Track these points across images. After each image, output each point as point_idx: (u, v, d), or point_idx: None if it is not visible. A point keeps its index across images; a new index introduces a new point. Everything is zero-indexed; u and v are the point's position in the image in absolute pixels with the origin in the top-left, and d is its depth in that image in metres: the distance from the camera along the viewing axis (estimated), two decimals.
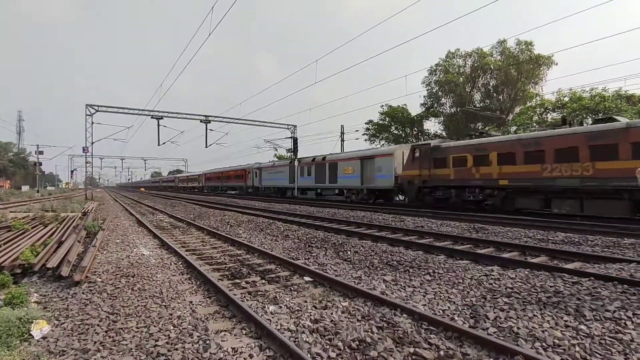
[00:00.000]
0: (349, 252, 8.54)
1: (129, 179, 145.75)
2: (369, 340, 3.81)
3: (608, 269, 6.48)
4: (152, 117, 31.45)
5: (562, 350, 3.52)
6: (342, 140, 43.96)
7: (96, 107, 31.19)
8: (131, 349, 3.80)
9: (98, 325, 4.44)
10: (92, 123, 31.34)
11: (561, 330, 3.94)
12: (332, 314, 4.65)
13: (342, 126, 44.66)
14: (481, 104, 37.95)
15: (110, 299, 5.46)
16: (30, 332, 4.15)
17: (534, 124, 28.02)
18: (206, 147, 34.74)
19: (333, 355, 3.57)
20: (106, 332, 4.25)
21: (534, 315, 4.37)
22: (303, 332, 4.07)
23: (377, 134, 45.06)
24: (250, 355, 3.62)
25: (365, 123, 45.90)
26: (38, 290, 5.89)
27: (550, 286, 5.46)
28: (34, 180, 65.23)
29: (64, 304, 5.23)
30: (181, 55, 19.35)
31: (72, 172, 65.91)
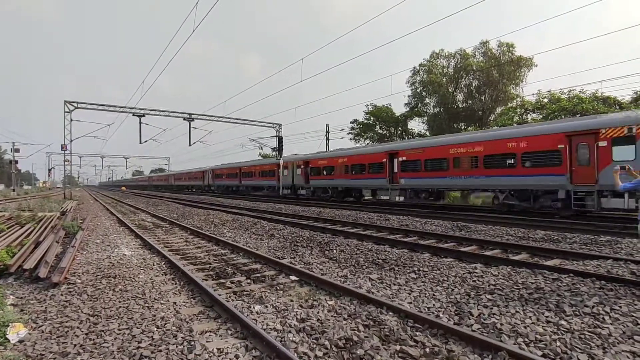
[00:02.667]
0: (334, 251, 8.55)
1: (109, 178, 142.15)
2: (355, 338, 3.81)
3: (586, 265, 6.67)
4: (133, 115, 30.76)
5: (543, 345, 3.59)
6: (327, 140, 44.03)
7: (75, 104, 30.34)
8: (113, 351, 3.70)
9: (78, 327, 4.32)
10: (71, 120, 30.51)
11: (543, 326, 4.03)
12: (318, 312, 4.64)
13: (327, 125, 44.70)
14: (464, 104, 38.53)
15: (90, 300, 5.32)
16: (7, 336, 4.00)
17: (515, 124, 28.64)
18: (189, 145, 34.23)
19: (320, 354, 3.56)
20: (87, 334, 4.14)
21: (517, 312, 4.46)
22: (289, 332, 4.05)
23: (362, 133, 45.31)
24: (236, 356, 3.58)
25: (351, 122, 46.13)
26: (14, 293, 5.70)
27: (532, 283, 5.58)
28: (10, 179, 63.12)
29: (42, 306, 5.07)
30: (164, 51, 18.88)
31: (49, 170, 63.91)
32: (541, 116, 28.02)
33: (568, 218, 13.19)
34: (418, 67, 39.67)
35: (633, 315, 4.21)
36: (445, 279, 6.04)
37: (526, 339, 3.73)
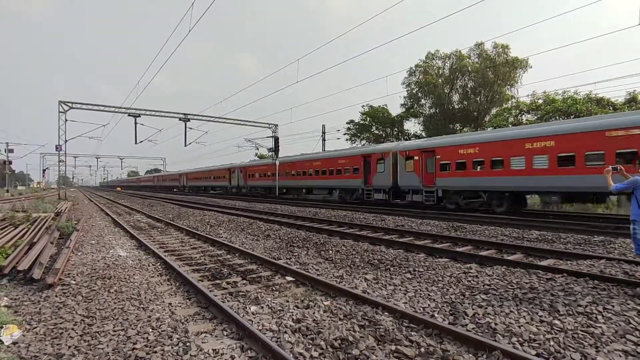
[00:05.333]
0: (330, 252, 8.56)
1: (104, 178, 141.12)
2: (351, 338, 3.82)
3: (580, 265, 6.73)
4: (129, 115, 30.66)
5: (537, 345, 3.62)
6: (324, 140, 44.08)
7: (70, 104, 30.18)
8: (108, 352, 3.69)
9: (72, 329, 4.30)
10: (66, 120, 30.33)
11: (536, 325, 4.06)
12: (314, 313, 4.64)
13: (323, 125, 44.85)
14: (459, 105, 38.72)
15: (85, 301, 5.29)
16: (0, 338, 3.97)
17: (510, 125, 28.77)
18: (185, 145, 34.13)
19: (315, 354, 3.56)
20: (81, 335, 4.12)
21: (511, 311, 4.49)
22: (285, 332, 4.05)
23: (358, 134, 45.42)
24: (232, 357, 3.58)
25: (347, 123, 46.27)
26: (8, 294, 5.65)
27: (526, 282, 5.62)
28: (4, 180, 62.62)
29: (36, 308, 5.04)
30: (160, 51, 18.78)
31: (44, 171, 63.47)
32: (536, 117, 28.18)
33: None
34: (414, 68, 39.83)
35: (625, 315, 4.25)
36: (441, 279, 6.07)
37: (520, 339, 3.75)
